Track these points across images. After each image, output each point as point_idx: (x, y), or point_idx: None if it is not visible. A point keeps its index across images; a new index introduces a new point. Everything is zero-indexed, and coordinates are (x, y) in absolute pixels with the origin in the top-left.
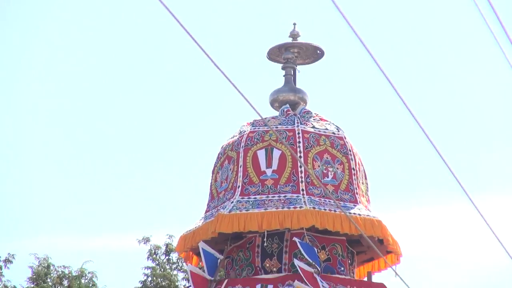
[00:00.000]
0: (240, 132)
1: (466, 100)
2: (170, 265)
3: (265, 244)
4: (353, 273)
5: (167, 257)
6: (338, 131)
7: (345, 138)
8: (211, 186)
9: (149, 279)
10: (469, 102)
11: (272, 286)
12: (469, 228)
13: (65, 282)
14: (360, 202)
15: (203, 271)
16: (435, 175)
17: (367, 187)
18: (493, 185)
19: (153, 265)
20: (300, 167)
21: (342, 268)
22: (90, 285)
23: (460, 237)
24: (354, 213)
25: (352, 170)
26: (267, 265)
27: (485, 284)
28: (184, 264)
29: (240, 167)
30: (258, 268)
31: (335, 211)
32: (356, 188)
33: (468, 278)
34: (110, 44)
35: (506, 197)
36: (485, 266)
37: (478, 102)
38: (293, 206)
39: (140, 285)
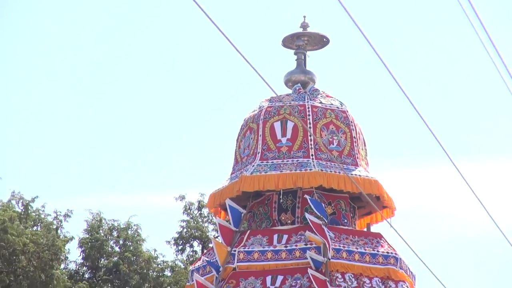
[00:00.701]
0: (260, 107)
1: (454, 72)
2: (202, 218)
3: (281, 201)
4: (354, 224)
5: (199, 212)
6: (342, 105)
7: (347, 111)
8: (235, 152)
9: (184, 230)
10: (457, 74)
11: (287, 236)
12: (453, 188)
13: (115, 233)
14: (360, 165)
15: (229, 223)
16: (424, 142)
17: (366, 152)
18: (475, 150)
19: (188, 218)
20: (310, 136)
21: (346, 221)
22: (136, 235)
23: (445, 195)
24: (355, 174)
25: (353, 139)
26: (283, 218)
27: (467, 235)
28: (214, 217)
29: (260, 136)
30: (275, 221)
31: (339, 172)
32: (356, 153)
33: (452, 229)
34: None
35: (487, 162)
36: (466, 219)
37: (466, 73)
38: (304, 169)
39: (177, 235)
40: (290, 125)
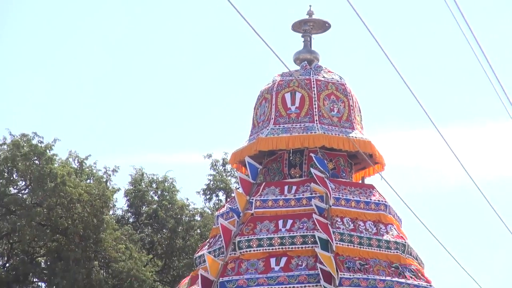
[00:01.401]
0: (273, 80)
1: (438, 42)
2: (226, 173)
3: (290, 158)
4: (351, 177)
5: (223, 168)
6: (341, 79)
7: (345, 84)
8: (253, 118)
9: (211, 183)
10: (440, 43)
11: (295, 187)
12: (434, 148)
13: (154, 185)
14: (356, 128)
15: (248, 177)
16: (410, 109)
17: (361, 118)
18: (455, 116)
19: (214, 173)
20: (315, 104)
21: (344, 174)
22: (171, 187)
23: (427, 154)
24: (352, 136)
25: (350, 107)
26: (292, 172)
27: (445, 187)
28: (235, 172)
29: (273, 105)
30: (286, 175)
31: (339, 134)
32: (353, 119)
33: (432, 182)
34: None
35: (469, 127)
36: (445, 174)
37: (448, 42)
38: (309, 132)
39: (205, 187)
40: (298, 95)
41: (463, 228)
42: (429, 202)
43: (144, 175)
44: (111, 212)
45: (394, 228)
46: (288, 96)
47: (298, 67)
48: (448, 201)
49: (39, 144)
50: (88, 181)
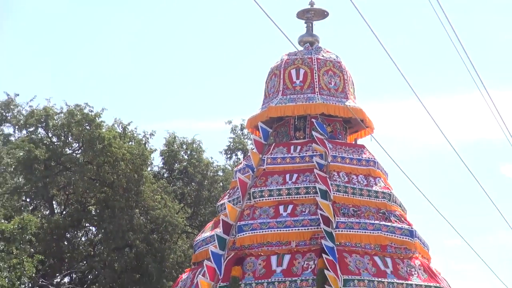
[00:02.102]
0: (281, 59)
1: (421, 26)
2: (243, 136)
3: (295, 123)
4: (346, 139)
5: (241, 132)
6: (337, 58)
7: (341, 62)
8: (264, 90)
9: (231, 144)
10: (423, 27)
11: (300, 147)
12: (417, 116)
13: (184, 146)
14: (350, 98)
15: (261, 138)
16: (395, 82)
17: (354, 90)
18: (436, 88)
19: (234, 136)
20: (315, 78)
21: (340, 136)
22: (199, 148)
23: (410, 122)
24: (347, 104)
25: (345, 81)
26: (297, 135)
27: (427, 149)
28: (251, 135)
29: (281, 79)
30: (292, 137)
31: (335, 103)
32: (347, 91)
33: (416, 145)
34: None
35: (449, 97)
36: (425, 140)
37: (430, 27)
38: (311, 101)
39: (226, 148)
40: (301, 71)
41: (441, 181)
42: (412, 161)
43: (176, 138)
44: (149, 169)
45: (382, 181)
46: (293, 72)
47: (301, 48)
48: (428, 160)
49: (90, 113)
50: (130, 143)
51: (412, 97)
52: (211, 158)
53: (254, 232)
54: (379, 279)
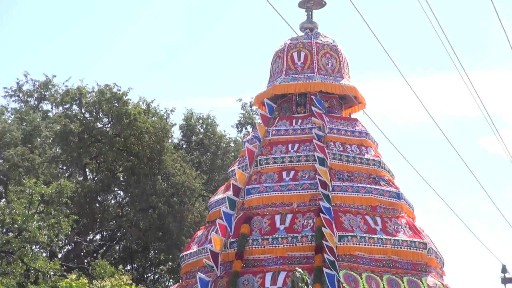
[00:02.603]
0: (284, 43)
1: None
2: (252, 112)
3: (297, 99)
4: (341, 113)
5: (250, 108)
6: (334, 42)
7: (337, 45)
8: (270, 71)
9: (242, 119)
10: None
11: (301, 120)
12: (408, 97)
13: (200, 121)
14: (344, 77)
15: (267, 113)
16: (384, 63)
17: (348, 70)
18: (422, 67)
19: (244, 112)
20: (314, 60)
21: (336, 111)
22: (213, 122)
23: (401, 101)
24: (342, 83)
25: (341, 62)
26: (298, 110)
27: (412, 123)
28: (258, 110)
29: (284, 61)
30: (294, 111)
31: (332, 82)
32: (343, 71)
33: (404, 125)
34: None
35: (433, 76)
36: (413, 117)
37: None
38: (311, 80)
39: (237, 122)
40: (302, 54)
41: (424, 151)
42: (399, 133)
43: (193, 114)
44: (169, 141)
45: (372, 150)
46: (295, 55)
47: (302, 34)
48: (413, 133)
49: (118, 91)
50: (153, 118)
51: (399, 78)
52: (224, 131)
53: (260, 195)
54: (370, 235)
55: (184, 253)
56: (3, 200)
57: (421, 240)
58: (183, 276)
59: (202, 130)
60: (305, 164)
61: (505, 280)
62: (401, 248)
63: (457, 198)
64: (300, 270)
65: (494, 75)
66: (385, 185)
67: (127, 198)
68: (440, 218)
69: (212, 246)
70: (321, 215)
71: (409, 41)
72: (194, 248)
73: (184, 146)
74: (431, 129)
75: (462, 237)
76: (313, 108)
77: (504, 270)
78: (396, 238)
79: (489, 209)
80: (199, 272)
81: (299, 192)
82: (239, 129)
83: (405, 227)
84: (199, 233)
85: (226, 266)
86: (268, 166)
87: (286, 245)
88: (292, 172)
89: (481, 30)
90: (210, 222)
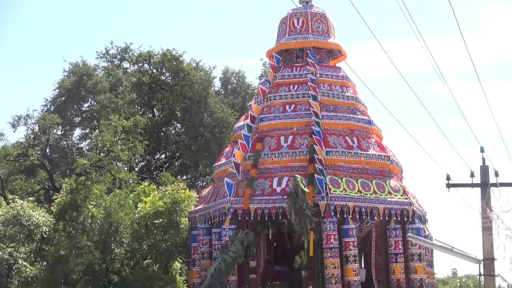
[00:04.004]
0: (287, 12)
1: None
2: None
3: (297, 53)
4: (329, 63)
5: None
6: (323, 11)
7: (326, 14)
8: (277, 32)
9: (263, 73)
10: None
11: (299, 68)
12: (381, 57)
13: (234, 75)
14: (331, 37)
15: (275, 63)
16: (364, 30)
17: (334, 32)
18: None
19: (264, 68)
20: (309, 24)
21: (325, 61)
22: (242, 75)
23: (376, 58)
24: (329, 41)
25: (328, 26)
26: (297, 60)
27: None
28: (269, 61)
29: (287, 25)
30: (294, 62)
31: (322, 40)
32: (330, 32)
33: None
34: None
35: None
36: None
37: None
38: (306, 39)
39: (259, 75)
40: (300, 20)
41: (390, 93)
42: (372, 80)
43: (229, 69)
44: (212, 88)
45: (351, 89)
46: (295, 21)
47: (301, 6)
48: (383, 82)
49: (176, 54)
50: (201, 72)
51: (373, 42)
52: (250, 81)
53: (270, 122)
54: (348, 151)
55: (216, 164)
56: (97, 130)
57: (386, 154)
58: (215, 180)
59: (235, 81)
60: (302, 99)
61: (449, 185)
62: (371, 160)
63: (415, 127)
64: (299, 176)
65: (447, 39)
66: (360, 114)
67: (182, 129)
68: (403, 144)
69: (235, 158)
70: (313, 136)
71: (384, 12)
72: (223, 160)
73: (222, 92)
74: (396, 79)
75: (420, 154)
76: (308, 59)
77: (448, 178)
78: (368, 152)
79: (437, 135)
80: (226, 177)
81: (298, 120)
82: (259, 76)
83: (374, 144)
84: (227, 149)
85: (245, 173)
86: (275, 101)
87: (288, 158)
88: (293, 106)
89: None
90: (234, 142)
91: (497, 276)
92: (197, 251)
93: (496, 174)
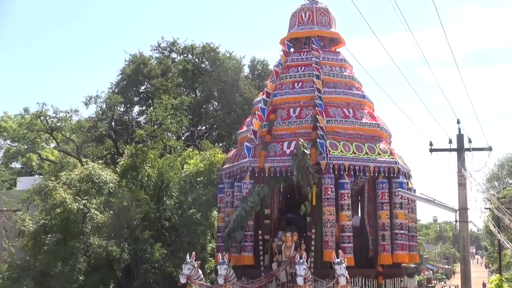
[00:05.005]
0: (297, 8)
1: None
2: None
3: (304, 40)
4: (330, 49)
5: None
6: (326, 6)
7: (328, 8)
8: (288, 25)
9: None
10: None
11: (306, 53)
12: (376, 46)
13: (260, 63)
14: (333, 27)
15: (286, 49)
16: (361, 24)
17: (335, 23)
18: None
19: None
20: (315, 17)
21: (327, 48)
22: (267, 63)
23: (372, 47)
24: (331, 30)
25: (331, 19)
26: (305, 46)
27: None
28: (282, 47)
29: (296, 18)
30: (302, 47)
31: (325, 29)
32: (331, 23)
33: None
34: None
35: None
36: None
37: None
38: (312, 29)
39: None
40: (307, 14)
41: (383, 76)
42: (368, 66)
43: (255, 58)
44: (242, 74)
45: (348, 70)
46: (303, 14)
47: (307, 2)
48: (377, 69)
49: (213, 46)
50: (233, 61)
51: (371, 35)
52: (273, 66)
53: (282, 97)
54: (345, 120)
55: (239, 131)
56: (151, 107)
57: (376, 122)
58: (238, 144)
59: (260, 68)
60: (308, 78)
61: (431, 150)
62: (363, 127)
63: (407, 104)
64: (302, 140)
65: (431, 32)
66: (355, 90)
67: (219, 106)
68: (398, 117)
69: (253, 126)
70: (316, 108)
71: (379, 10)
72: (244, 128)
73: (250, 77)
74: (389, 66)
75: (411, 127)
76: (313, 45)
77: (431, 144)
78: (361, 121)
79: (423, 110)
80: (245, 142)
81: (304, 95)
82: (275, 63)
83: (367, 115)
84: (247, 120)
85: (261, 138)
86: (286, 80)
87: (296, 126)
88: (300, 83)
89: None
90: (253, 113)
91: (469, 222)
92: (222, 201)
93: (470, 141)
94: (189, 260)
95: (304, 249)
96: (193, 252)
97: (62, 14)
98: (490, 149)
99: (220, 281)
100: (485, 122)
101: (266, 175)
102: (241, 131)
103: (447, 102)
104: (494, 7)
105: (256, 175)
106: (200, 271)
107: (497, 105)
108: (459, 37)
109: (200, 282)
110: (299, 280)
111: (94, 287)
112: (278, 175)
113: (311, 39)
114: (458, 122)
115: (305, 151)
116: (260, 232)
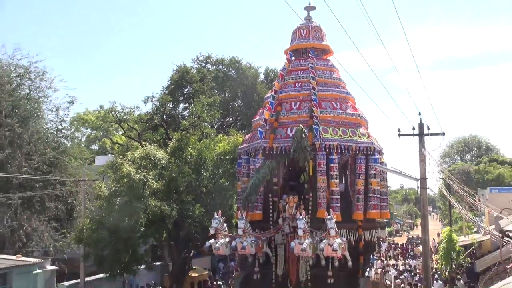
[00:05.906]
0: (297, 26)
1: None
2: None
3: (302, 51)
4: (322, 57)
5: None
6: (319, 25)
7: (320, 26)
8: (290, 39)
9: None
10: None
11: (304, 59)
12: (357, 56)
13: (272, 71)
14: (324, 40)
15: (289, 57)
16: (343, 38)
17: (326, 37)
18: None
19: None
20: (310, 33)
21: (320, 56)
22: (277, 72)
23: (353, 56)
24: (323, 43)
25: (322, 34)
26: (303, 55)
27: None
28: (285, 56)
29: (296, 34)
30: (301, 55)
31: (319, 42)
32: (323, 37)
33: (354, 69)
34: None
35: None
36: (357, 65)
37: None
38: (308, 42)
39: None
40: (305, 30)
41: (362, 81)
42: (352, 72)
43: (269, 67)
44: (259, 79)
45: (336, 73)
46: (302, 31)
47: (305, 21)
48: (360, 74)
49: (237, 58)
50: (252, 70)
51: (353, 48)
52: (284, 68)
53: (285, 93)
54: (334, 111)
55: (254, 119)
56: (192, 105)
57: (357, 113)
58: (253, 129)
59: (272, 75)
60: (306, 79)
61: (400, 135)
62: (348, 116)
63: (382, 102)
64: (301, 126)
65: (401, 44)
66: (341, 88)
67: (242, 103)
68: (375, 117)
69: (264, 116)
70: (312, 102)
71: (359, 20)
72: (257, 117)
73: (264, 81)
74: (367, 73)
75: (386, 119)
76: (309, 54)
77: (399, 130)
78: (346, 112)
79: (394, 107)
80: (258, 127)
81: (303, 92)
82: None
83: (350, 107)
84: (260, 110)
85: (270, 125)
86: (289, 81)
87: (297, 115)
88: (300, 83)
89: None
90: (264, 106)
91: (428, 188)
92: (240, 172)
93: (428, 128)
94: (217, 216)
95: (303, 208)
96: (219, 211)
97: (127, 35)
98: (443, 134)
99: (240, 232)
100: (441, 114)
101: (274, 152)
102: (255, 119)
103: (411, 98)
104: (454, 24)
105: (267, 152)
106: (225, 225)
107: (452, 100)
108: (424, 48)
109: (224, 233)
110: (299, 232)
111: (152, 236)
112: (283, 152)
113: (308, 50)
114: (420, 114)
115: (303, 135)
116: (270, 195)
